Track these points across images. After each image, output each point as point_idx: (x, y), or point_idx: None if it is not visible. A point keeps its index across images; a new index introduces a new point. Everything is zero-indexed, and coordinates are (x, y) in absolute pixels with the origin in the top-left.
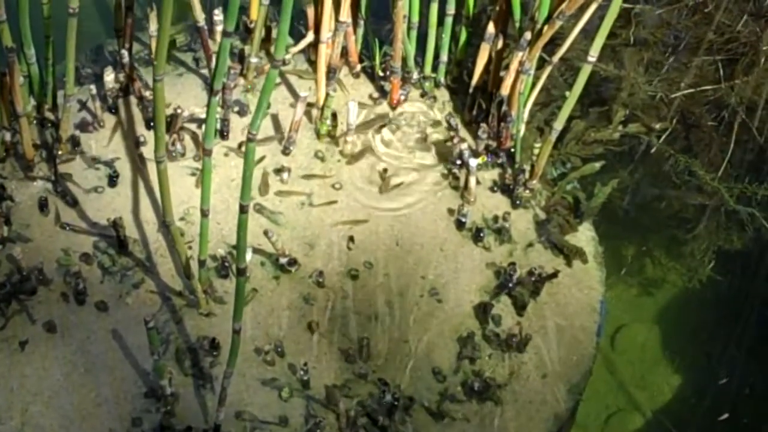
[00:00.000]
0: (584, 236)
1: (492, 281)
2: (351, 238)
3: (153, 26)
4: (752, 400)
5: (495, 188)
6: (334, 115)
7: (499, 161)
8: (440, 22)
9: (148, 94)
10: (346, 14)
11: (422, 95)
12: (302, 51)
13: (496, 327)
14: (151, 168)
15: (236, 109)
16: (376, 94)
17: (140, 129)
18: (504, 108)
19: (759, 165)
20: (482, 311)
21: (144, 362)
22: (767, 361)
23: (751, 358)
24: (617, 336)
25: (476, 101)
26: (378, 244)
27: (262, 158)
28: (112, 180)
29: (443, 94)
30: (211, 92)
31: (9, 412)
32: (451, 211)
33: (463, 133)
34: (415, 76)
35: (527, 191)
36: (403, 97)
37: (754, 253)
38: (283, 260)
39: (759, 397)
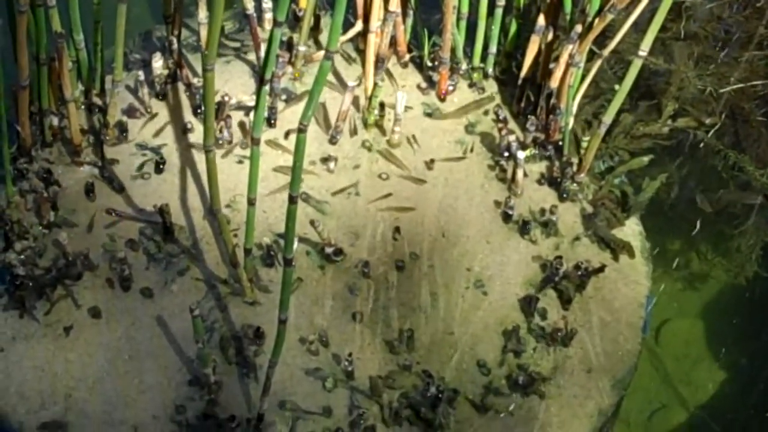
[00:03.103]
0: (631, 230)
1: (538, 274)
2: (397, 229)
3: (202, 13)
4: None
5: (542, 181)
6: (382, 105)
7: (547, 154)
8: (490, 13)
9: (196, 81)
10: (395, 4)
11: (470, 86)
12: (351, 40)
13: (541, 321)
14: (198, 155)
15: (284, 97)
16: (424, 85)
17: (188, 116)
18: (553, 100)
19: None
20: (528, 304)
21: (188, 350)
22: None
23: None
24: (662, 330)
25: (525, 93)
26: (424, 235)
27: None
28: (159, 166)
29: (492, 86)
30: (260, 82)
31: (53, 397)
32: (497, 203)
33: (512, 125)
34: (464, 66)
35: (575, 184)
36: (451, 88)
37: None
38: (328, 250)
39: None
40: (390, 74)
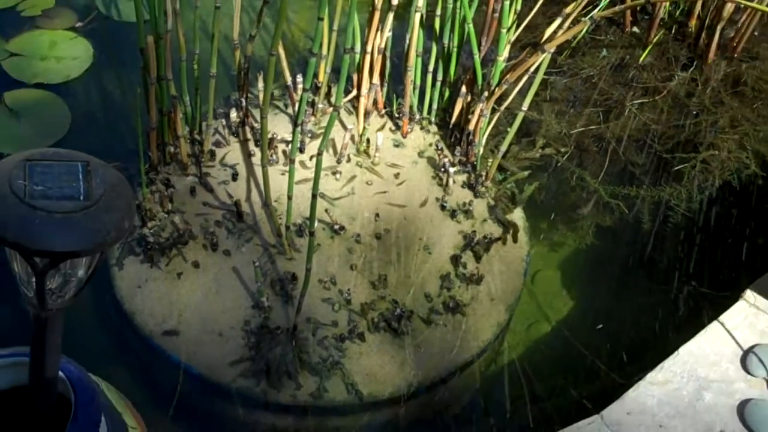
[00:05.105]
0: (518, 216)
1: (461, 242)
2: (377, 215)
3: (260, 84)
4: (616, 316)
5: (464, 186)
6: (368, 140)
7: (467, 169)
8: (433, 85)
9: (256, 125)
10: (376, 78)
11: (421, 129)
12: (349, 100)
13: (463, 270)
14: (257, 170)
15: (309, 135)
16: (393, 128)
17: (251, 146)
18: (470, 137)
19: (623, 175)
20: (455, 260)
21: (252, 287)
22: (626, 295)
23: (618, 291)
24: (535, 276)
25: (454, 133)
26: (393, 218)
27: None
28: (234, 177)
29: (434, 128)
30: (295, 125)
31: (170, 315)
32: (437, 199)
33: (446, 152)
34: (417, 117)
35: (483, 188)
36: (410, 130)
37: (619, 227)
38: (336, 227)
39: (620, 315)
40: (373, 121)
